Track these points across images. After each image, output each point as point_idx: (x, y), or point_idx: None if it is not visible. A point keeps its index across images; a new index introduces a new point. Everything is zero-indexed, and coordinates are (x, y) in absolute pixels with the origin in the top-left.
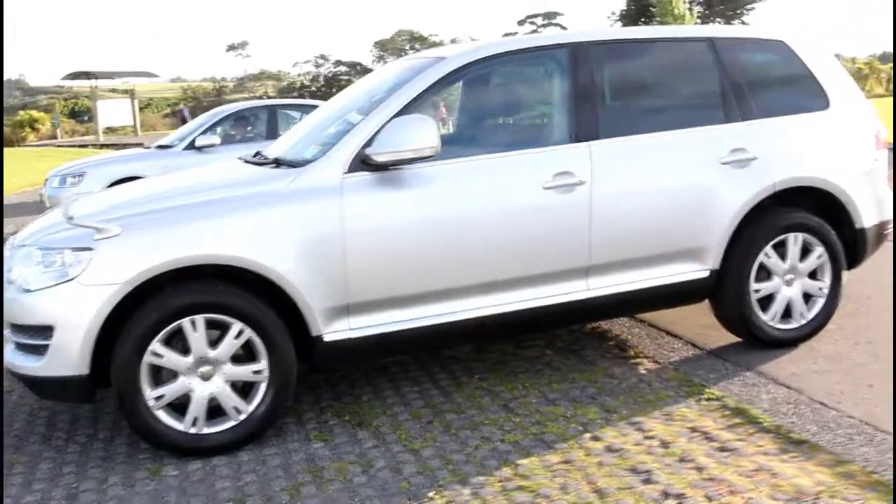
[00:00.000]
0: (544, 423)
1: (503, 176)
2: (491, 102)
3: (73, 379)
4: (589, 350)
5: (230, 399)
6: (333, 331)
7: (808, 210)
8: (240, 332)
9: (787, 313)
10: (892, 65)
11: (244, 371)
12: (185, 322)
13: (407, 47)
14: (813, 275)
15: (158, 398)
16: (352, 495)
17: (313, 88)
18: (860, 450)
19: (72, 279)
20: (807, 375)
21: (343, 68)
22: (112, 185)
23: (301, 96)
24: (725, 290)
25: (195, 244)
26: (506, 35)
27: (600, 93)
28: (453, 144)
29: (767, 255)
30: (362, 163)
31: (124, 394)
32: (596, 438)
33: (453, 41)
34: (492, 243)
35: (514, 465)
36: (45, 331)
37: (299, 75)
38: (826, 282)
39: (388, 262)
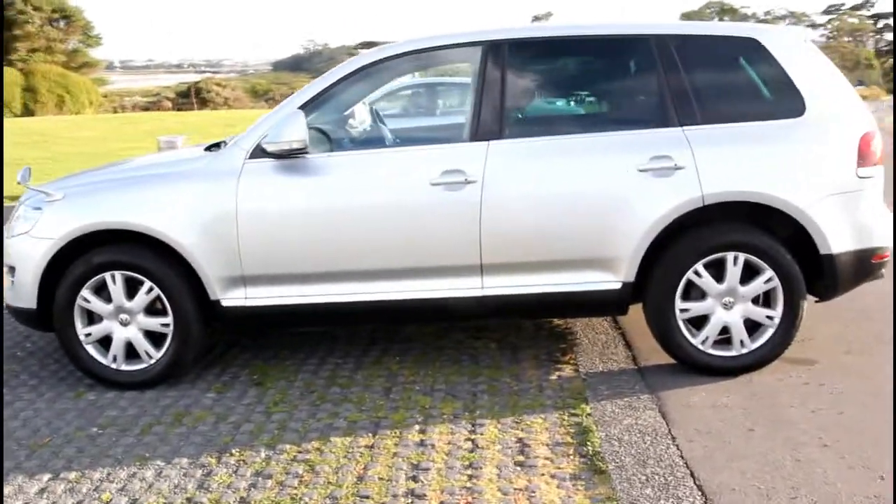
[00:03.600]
0: (396, 410)
1: (394, 170)
2: (398, 99)
3: (28, 310)
4: (530, 349)
5: (142, 344)
6: (230, 297)
7: (767, 230)
8: (150, 289)
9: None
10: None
11: (154, 322)
12: (107, 276)
13: (715, 19)
14: (763, 301)
15: (87, 335)
16: (179, 440)
17: None
18: (643, 492)
19: (26, 232)
20: (699, 409)
21: None
22: None
23: None
24: (647, 306)
25: (112, 212)
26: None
27: (511, 93)
28: (358, 137)
29: (698, 274)
30: (262, 151)
31: (61, 328)
32: (422, 432)
33: (767, 14)
34: (379, 233)
35: (326, 440)
36: (12, 270)
37: None
38: (776, 310)
39: (275, 241)
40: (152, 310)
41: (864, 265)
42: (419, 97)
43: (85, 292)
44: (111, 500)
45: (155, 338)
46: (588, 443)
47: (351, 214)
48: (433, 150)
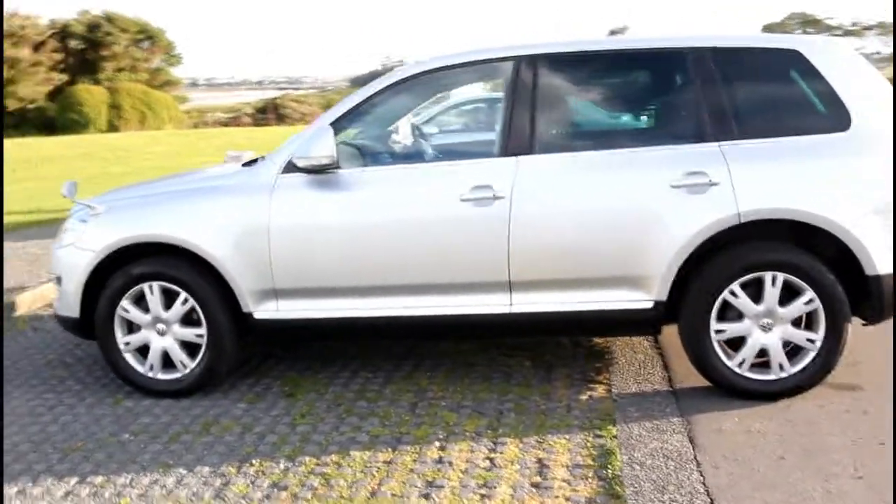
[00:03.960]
0: (420, 426)
1: (423, 185)
2: (431, 114)
3: (72, 319)
4: (564, 368)
5: (178, 354)
6: (263, 310)
7: (808, 250)
8: (185, 300)
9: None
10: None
11: (189, 333)
12: (145, 286)
13: (798, 31)
14: (805, 323)
15: (126, 344)
16: (204, 448)
17: None
18: None
19: (72, 243)
20: (730, 435)
21: None
22: None
23: None
24: (681, 327)
25: (149, 225)
26: None
27: (542, 108)
28: (391, 153)
29: (734, 294)
30: (294, 166)
31: (101, 336)
32: (442, 448)
33: (854, 25)
34: (407, 248)
35: (346, 453)
36: (59, 280)
37: None
38: (818, 333)
39: (305, 255)
40: (188, 320)
41: None
42: (466, 113)
43: (125, 302)
44: None
45: (190, 348)
46: (609, 466)
47: (380, 229)
48: (463, 165)
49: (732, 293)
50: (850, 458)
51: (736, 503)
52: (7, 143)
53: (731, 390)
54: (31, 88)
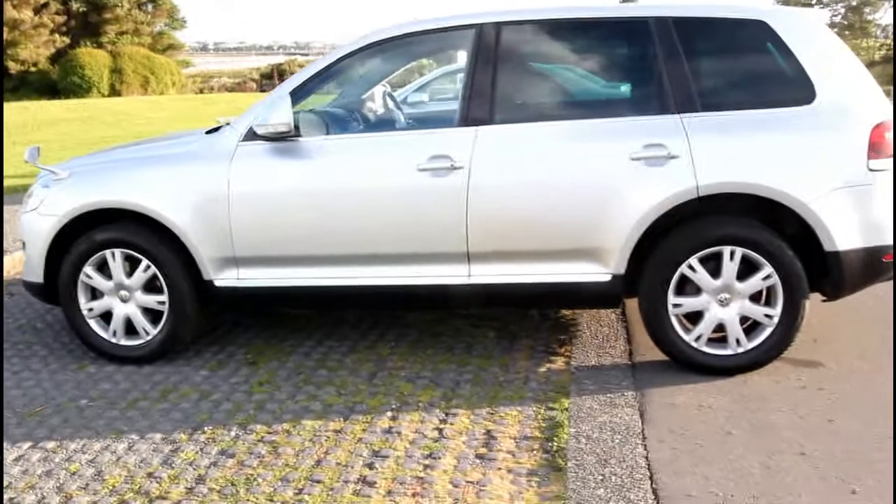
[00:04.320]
0: (375, 395)
1: (381, 155)
2: (393, 83)
3: (36, 284)
4: (527, 339)
5: (140, 321)
6: (223, 278)
7: (771, 225)
8: (147, 268)
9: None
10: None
11: (151, 299)
12: (108, 253)
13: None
14: (763, 298)
15: (90, 310)
16: (160, 415)
17: None
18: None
19: (35, 209)
20: (681, 409)
21: None
22: None
23: None
24: (640, 301)
25: (110, 191)
26: None
27: (502, 77)
28: (353, 121)
29: (692, 268)
30: (254, 134)
31: (65, 302)
32: (393, 419)
33: None
34: (365, 218)
35: (297, 422)
36: (24, 245)
37: None
38: (776, 309)
39: (265, 223)
40: (151, 287)
41: (873, 264)
42: (442, 82)
43: (87, 269)
44: (78, 471)
45: (153, 315)
46: (555, 438)
47: (338, 198)
48: (423, 135)
49: (690, 267)
50: (798, 435)
51: (675, 478)
52: (6, 106)
53: (687, 365)
54: (33, 51)
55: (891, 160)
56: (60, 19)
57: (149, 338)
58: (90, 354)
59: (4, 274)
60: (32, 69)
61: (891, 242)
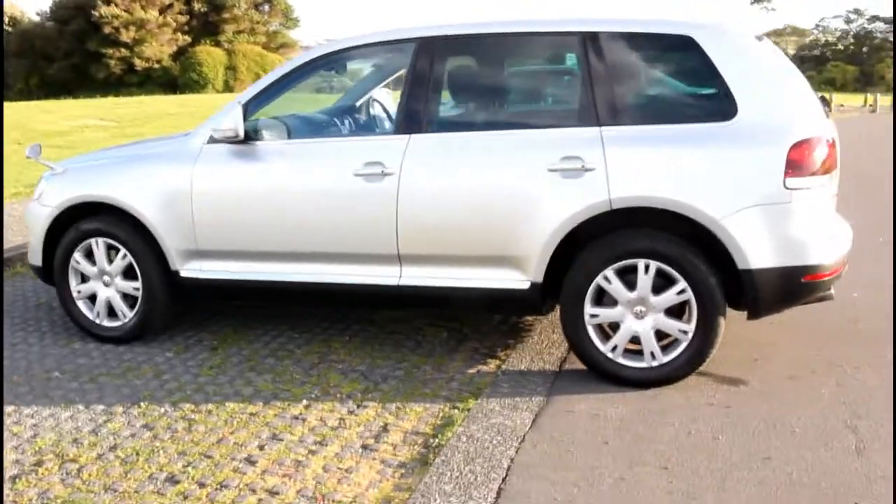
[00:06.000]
0: (304, 384)
1: (325, 159)
2: (341, 92)
3: (37, 267)
4: (476, 342)
5: (119, 304)
6: (188, 269)
7: (694, 241)
8: (125, 256)
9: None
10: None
11: (128, 285)
12: (92, 241)
13: None
14: (677, 312)
15: (79, 292)
16: (112, 390)
17: (839, 47)
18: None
19: (37, 199)
20: (575, 417)
21: (880, 24)
22: None
23: (823, 55)
24: (560, 309)
25: (93, 186)
26: None
27: (435, 88)
28: (306, 128)
29: (608, 280)
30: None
31: (58, 284)
32: (307, 407)
33: None
34: (307, 219)
35: (222, 404)
36: (28, 233)
37: (820, 30)
38: (690, 325)
39: (221, 219)
40: (128, 274)
41: (791, 284)
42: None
43: (77, 255)
44: (20, 432)
45: (131, 300)
46: (440, 435)
47: (283, 199)
48: (361, 141)
49: (606, 279)
50: (671, 449)
51: (526, 480)
52: (126, 100)
53: (604, 375)
54: (157, 49)
55: (815, 178)
56: (183, 19)
57: (125, 320)
58: (80, 333)
59: None
60: (156, 66)
61: (812, 263)
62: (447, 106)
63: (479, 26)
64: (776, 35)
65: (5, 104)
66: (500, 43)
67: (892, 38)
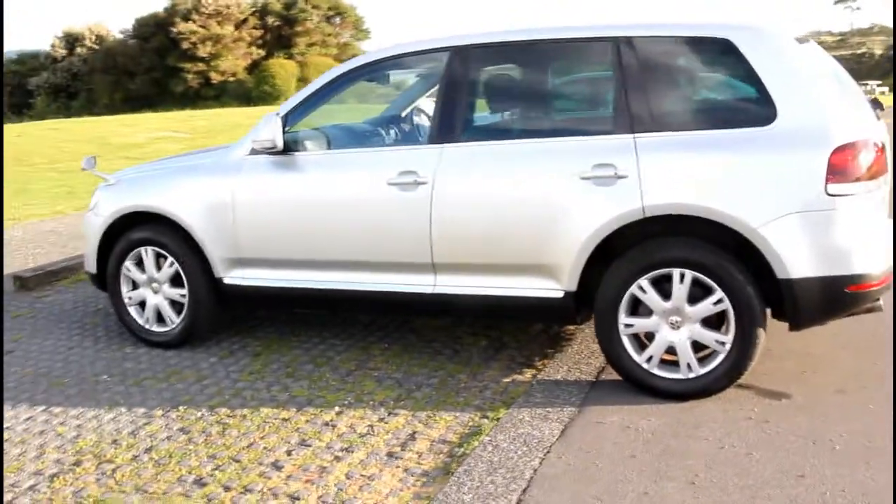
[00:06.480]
0: (339, 391)
1: (360, 169)
2: (378, 102)
3: (92, 275)
4: (515, 350)
5: (167, 310)
6: (231, 276)
7: (733, 250)
8: (172, 264)
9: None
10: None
11: (175, 292)
12: (142, 250)
13: None
14: (716, 323)
15: (129, 298)
16: (155, 394)
17: None
18: None
19: (92, 209)
20: (605, 428)
21: None
22: None
23: None
24: (594, 319)
25: (142, 196)
26: None
27: (468, 97)
28: (346, 138)
29: (642, 289)
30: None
31: (111, 291)
32: (339, 413)
33: None
34: (344, 228)
35: (257, 409)
36: (84, 240)
37: None
38: (727, 336)
39: (262, 229)
40: (175, 282)
41: (834, 294)
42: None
43: (128, 262)
44: (63, 433)
45: (178, 306)
46: (465, 444)
47: (320, 209)
48: (396, 151)
49: (641, 288)
50: (700, 465)
51: (547, 492)
52: (201, 112)
53: (639, 386)
54: (232, 62)
55: (861, 184)
56: (257, 33)
57: (173, 326)
58: (132, 338)
59: None
60: (231, 79)
61: (857, 272)
62: (480, 115)
63: (511, 34)
64: (862, 35)
65: (90, 119)
66: (532, 50)
67: None
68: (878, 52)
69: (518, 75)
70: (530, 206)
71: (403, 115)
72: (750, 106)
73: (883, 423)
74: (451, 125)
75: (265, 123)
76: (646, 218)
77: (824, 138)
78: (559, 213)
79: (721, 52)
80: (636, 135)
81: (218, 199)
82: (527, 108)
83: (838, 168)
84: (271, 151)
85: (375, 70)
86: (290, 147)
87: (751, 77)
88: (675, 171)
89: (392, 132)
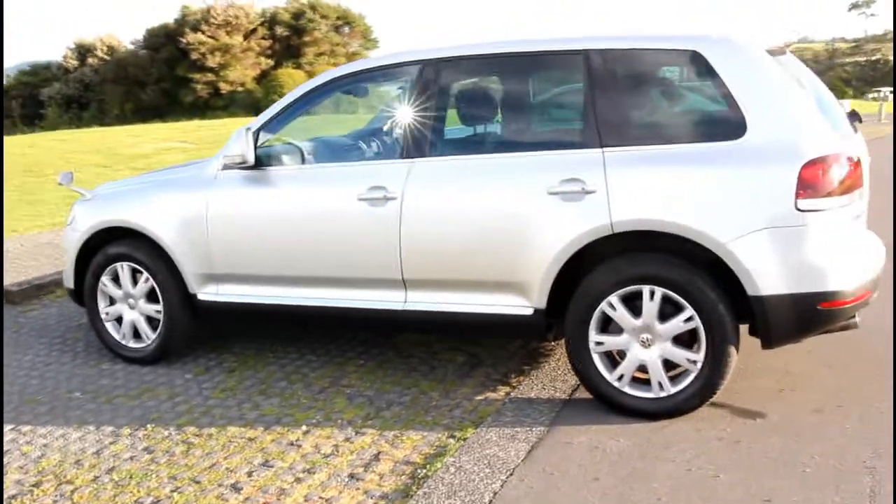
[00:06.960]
0: (308, 409)
1: (331, 184)
2: (347, 117)
3: (71, 290)
4: (490, 367)
5: (143, 326)
6: (205, 292)
7: (703, 266)
8: (147, 280)
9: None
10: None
11: (150, 308)
12: (118, 265)
13: None
14: (688, 341)
15: (106, 314)
16: (125, 411)
17: None
18: None
19: (70, 224)
20: (572, 449)
21: None
22: None
23: None
24: (565, 336)
25: (116, 211)
26: None
27: (437, 112)
28: (319, 153)
29: (612, 306)
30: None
31: (88, 306)
32: (306, 433)
33: None
34: (315, 243)
35: (224, 427)
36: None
37: None
38: (699, 354)
39: (235, 244)
40: (151, 297)
41: (806, 312)
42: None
43: (104, 278)
44: (28, 452)
45: (154, 322)
46: (428, 466)
47: (291, 224)
48: (367, 165)
49: (611, 305)
50: (667, 488)
51: None
52: (209, 123)
53: (610, 405)
54: (241, 72)
55: (833, 199)
56: (266, 43)
57: (149, 342)
58: (110, 354)
59: None
60: (240, 89)
61: (830, 289)
62: (450, 129)
63: (480, 47)
64: (877, 41)
65: (99, 129)
66: (501, 64)
67: None
68: (891, 57)
69: (487, 89)
70: (498, 222)
71: (380, 128)
72: (720, 119)
73: (856, 445)
74: (421, 140)
75: (235, 138)
76: (615, 234)
77: (795, 152)
78: (527, 229)
79: (691, 65)
80: (605, 149)
81: (191, 214)
82: (496, 122)
83: (809, 183)
84: (242, 166)
85: (347, 83)
86: (262, 161)
87: (721, 90)
88: (644, 186)
89: (367, 146)
